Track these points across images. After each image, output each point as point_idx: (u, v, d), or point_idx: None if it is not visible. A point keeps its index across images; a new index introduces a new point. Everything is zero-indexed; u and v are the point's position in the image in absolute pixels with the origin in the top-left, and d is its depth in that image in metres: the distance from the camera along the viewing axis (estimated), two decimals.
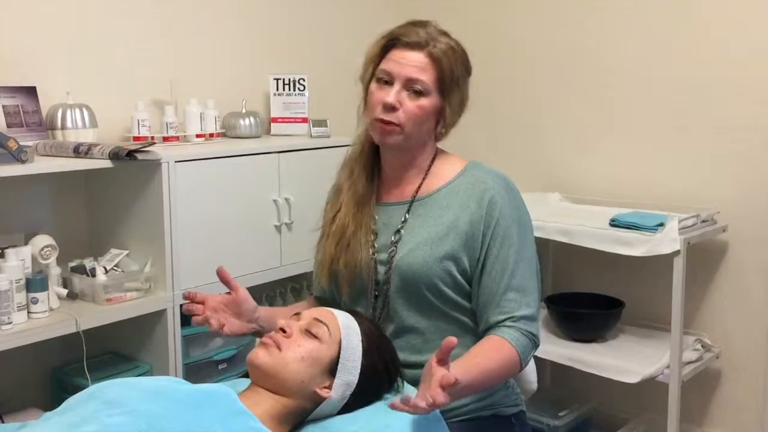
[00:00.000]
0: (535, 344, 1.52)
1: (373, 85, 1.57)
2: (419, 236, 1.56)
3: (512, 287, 1.51)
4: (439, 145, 1.68)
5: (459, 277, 1.54)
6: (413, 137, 1.57)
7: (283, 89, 2.68)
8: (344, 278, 1.61)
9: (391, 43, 1.57)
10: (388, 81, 1.55)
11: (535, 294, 1.54)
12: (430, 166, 1.64)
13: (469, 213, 1.54)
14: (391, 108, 1.53)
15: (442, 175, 1.62)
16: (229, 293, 1.56)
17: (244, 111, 2.57)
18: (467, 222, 1.54)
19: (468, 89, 1.61)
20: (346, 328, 1.43)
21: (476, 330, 1.56)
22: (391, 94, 1.53)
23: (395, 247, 1.57)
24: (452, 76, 1.55)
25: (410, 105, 1.53)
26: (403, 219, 1.60)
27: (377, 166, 1.66)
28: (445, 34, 1.58)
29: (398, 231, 1.59)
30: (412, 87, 1.53)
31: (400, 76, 1.53)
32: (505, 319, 1.50)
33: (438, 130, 1.61)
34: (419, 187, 1.62)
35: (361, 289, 1.61)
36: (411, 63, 1.53)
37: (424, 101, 1.54)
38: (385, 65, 1.56)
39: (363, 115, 1.63)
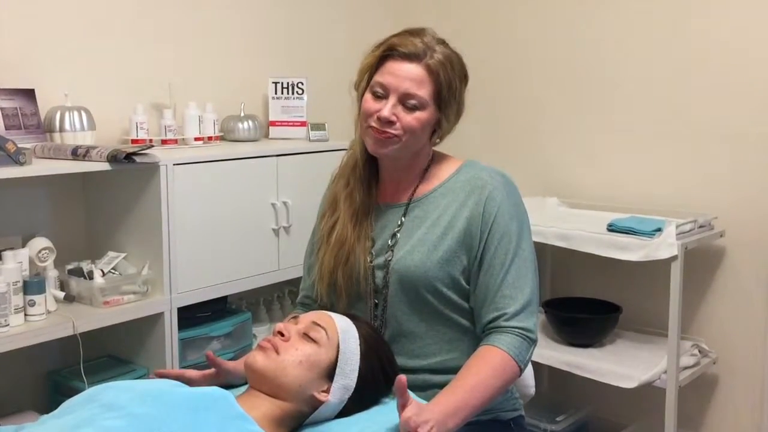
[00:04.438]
0: (531, 340, 1.50)
1: (368, 95, 1.54)
2: (416, 238, 1.55)
3: (507, 284, 1.50)
4: (436, 147, 1.67)
5: (459, 276, 1.53)
6: (410, 147, 1.56)
7: (282, 93, 2.68)
8: (342, 288, 1.60)
9: (387, 53, 1.53)
10: (383, 95, 1.52)
11: (532, 288, 1.52)
12: (427, 168, 1.63)
13: (467, 210, 1.54)
14: (387, 122, 1.50)
15: (438, 176, 1.62)
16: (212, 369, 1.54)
17: (242, 114, 2.57)
18: (465, 219, 1.53)
19: (464, 98, 1.58)
20: (345, 332, 1.43)
21: (475, 332, 1.55)
22: (386, 108, 1.50)
23: (392, 250, 1.57)
24: (449, 88, 1.52)
25: (407, 118, 1.51)
26: (399, 222, 1.60)
27: (374, 172, 1.64)
28: (442, 42, 1.55)
29: (395, 234, 1.58)
30: (407, 102, 1.50)
31: (396, 90, 1.50)
32: (498, 317, 1.49)
33: (434, 139, 1.60)
34: (415, 189, 1.61)
35: (359, 297, 1.60)
36: (407, 76, 1.49)
37: (421, 114, 1.51)
38: (380, 77, 1.52)
39: (358, 124, 1.62)
